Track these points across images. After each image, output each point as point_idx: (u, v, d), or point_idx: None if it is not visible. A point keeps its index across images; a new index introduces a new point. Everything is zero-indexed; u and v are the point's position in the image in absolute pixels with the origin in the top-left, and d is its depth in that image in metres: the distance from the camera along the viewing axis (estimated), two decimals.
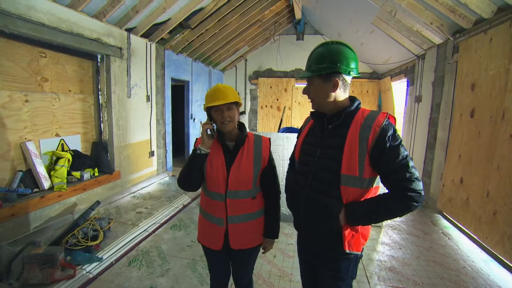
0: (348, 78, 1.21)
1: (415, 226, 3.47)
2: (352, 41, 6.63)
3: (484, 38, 3.05)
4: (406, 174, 1.10)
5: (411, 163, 1.12)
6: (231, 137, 1.45)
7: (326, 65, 1.17)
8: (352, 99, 1.27)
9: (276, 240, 1.57)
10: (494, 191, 2.73)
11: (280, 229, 1.58)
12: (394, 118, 1.22)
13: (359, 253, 1.27)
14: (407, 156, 1.12)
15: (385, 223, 3.49)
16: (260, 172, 1.45)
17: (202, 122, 1.40)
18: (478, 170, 3.00)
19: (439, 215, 3.78)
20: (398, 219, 3.64)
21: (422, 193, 1.10)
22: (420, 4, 3.57)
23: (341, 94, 1.22)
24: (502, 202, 2.62)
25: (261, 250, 1.58)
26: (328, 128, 1.25)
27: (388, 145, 1.11)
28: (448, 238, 3.19)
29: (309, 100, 1.30)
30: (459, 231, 3.29)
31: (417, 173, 1.12)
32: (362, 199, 1.19)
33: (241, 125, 1.49)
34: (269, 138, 1.53)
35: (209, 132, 1.38)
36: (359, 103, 1.26)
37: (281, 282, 2.35)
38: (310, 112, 1.35)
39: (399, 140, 1.13)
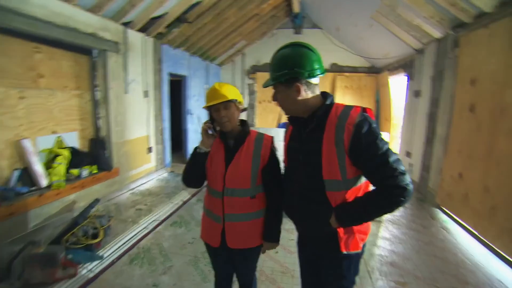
0: (313, 79, 1.16)
1: (414, 221, 3.50)
2: (351, 35, 6.60)
3: (485, 33, 3.03)
4: (388, 171, 1.05)
5: (392, 158, 1.06)
6: (232, 135, 1.44)
7: (285, 72, 1.13)
8: (324, 95, 1.22)
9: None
10: (494, 186, 2.76)
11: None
12: (371, 110, 1.16)
13: (359, 251, 1.26)
14: (387, 150, 1.07)
15: (384, 217, 3.51)
16: (260, 171, 1.41)
17: (203, 122, 1.39)
18: (478, 165, 3.02)
19: (438, 210, 3.82)
20: (397, 213, 3.67)
21: (409, 186, 1.04)
22: None
23: (308, 95, 1.17)
24: (501, 197, 2.65)
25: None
26: (305, 132, 1.21)
27: (364, 142, 1.06)
28: (447, 232, 3.23)
29: (279, 106, 1.26)
30: (458, 225, 3.33)
31: (400, 167, 1.06)
32: (353, 198, 1.17)
33: (243, 123, 1.48)
34: (272, 137, 1.49)
35: (210, 131, 1.38)
36: (332, 100, 1.20)
37: (284, 278, 2.37)
38: (287, 117, 1.31)
39: (376, 135, 1.08)
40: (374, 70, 7.43)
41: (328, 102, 1.18)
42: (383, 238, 3.08)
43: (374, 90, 7.49)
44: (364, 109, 1.14)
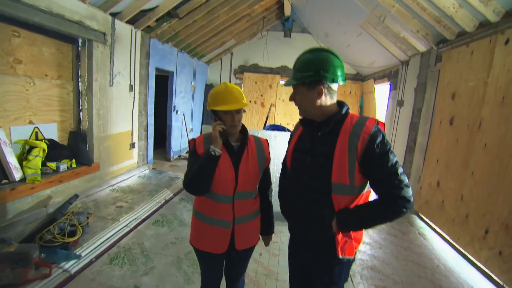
0: (334, 85, 1.20)
1: (393, 226, 3.63)
2: (338, 42, 6.74)
3: (466, 51, 3.20)
4: (395, 182, 1.11)
5: (400, 170, 1.13)
6: (234, 138, 1.43)
7: (310, 73, 1.17)
8: (340, 104, 1.26)
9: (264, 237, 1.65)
10: (468, 195, 2.91)
11: None
12: (383, 124, 1.22)
13: (352, 257, 1.29)
14: (396, 162, 1.13)
15: None
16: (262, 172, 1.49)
17: (214, 123, 1.33)
18: (454, 175, 3.18)
19: (416, 216, 3.98)
20: None
21: (411, 199, 1.11)
22: (408, 12, 3.68)
23: (327, 101, 1.21)
24: (474, 206, 2.80)
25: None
26: (318, 135, 1.24)
27: (377, 152, 1.12)
28: (424, 238, 3.38)
29: (297, 106, 1.29)
30: (434, 232, 3.49)
31: (406, 180, 1.13)
32: (354, 205, 1.20)
33: (242, 126, 1.47)
34: (266, 139, 1.59)
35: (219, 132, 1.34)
36: (348, 109, 1.25)
37: (267, 281, 2.36)
38: (299, 119, 1.34)
39: (388, 146, 1.14)
40: (359, 78, 7.65)
41: (344, 111, 1.23)
42: (364, 242, 3.16)
43: (358, 97, 7.70)
44: (377, 122, 1.18)
